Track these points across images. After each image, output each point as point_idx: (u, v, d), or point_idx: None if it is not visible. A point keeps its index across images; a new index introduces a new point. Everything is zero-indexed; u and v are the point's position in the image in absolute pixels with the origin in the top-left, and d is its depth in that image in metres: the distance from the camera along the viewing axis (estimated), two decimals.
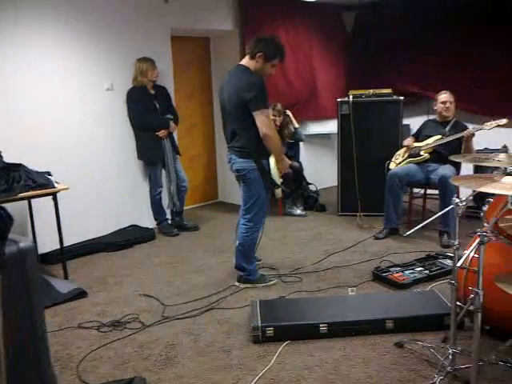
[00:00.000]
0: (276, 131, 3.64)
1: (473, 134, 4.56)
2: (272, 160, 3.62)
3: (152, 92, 5.06)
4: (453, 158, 2.78)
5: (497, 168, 2.43)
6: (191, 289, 3.90)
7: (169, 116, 5.14)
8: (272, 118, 5.70)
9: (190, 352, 3.00)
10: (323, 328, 3.06)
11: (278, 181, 3.71)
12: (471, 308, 2.25)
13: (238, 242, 3.85)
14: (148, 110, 5.02)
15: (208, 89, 6.38)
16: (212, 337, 3.17)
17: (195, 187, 6.31)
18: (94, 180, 4.98)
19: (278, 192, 3.82)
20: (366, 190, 5.53)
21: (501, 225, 2.28)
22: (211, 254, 4.67)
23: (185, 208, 5.51)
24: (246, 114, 3.45)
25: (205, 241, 5.09)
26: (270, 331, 3.03)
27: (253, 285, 3.87)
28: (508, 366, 2.57)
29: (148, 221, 5.37)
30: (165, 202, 5.32)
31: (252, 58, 3.52)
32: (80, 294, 3.81)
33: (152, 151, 5.10)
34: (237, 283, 3.91)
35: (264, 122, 3.43)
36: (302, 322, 3.09)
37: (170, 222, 5.42)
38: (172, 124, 5.14)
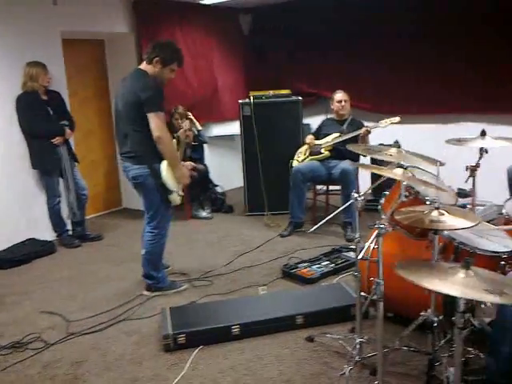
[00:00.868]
0: (169, 135, 3.51)
1: (369, 132, 4.78)
2: (164, 164, 3.48)
3: (44, 97, 4.78)
4: (349, 147, 2.89)
5: (390, 163, 2.54)
6: (97, 302, 3.73)
7: (64, 122, 4.89)
8: (174, 121, 5.65)
9: (98, 368, 2.88)
10: (235, 330, 3.05)
11: (173, 186, 3.53)
12: (374, 297, 2.34)
13: (144, 251, 3.75)
14: (40, 117, 4.74)
15: (105, 93, 6.16)
16: (121, 350, 3.06)
17: (96, 195, 6.06)
18: None
19: (173, 198, 3.58)
20: (271, 189, 5.60)
21: (396, 217, 2.39)
22: (117, 264, 4.50)
23: (86, 217, 5.29)
24: (139, 116, 3.37)
25: (109, 250, 4.90)
26: (181, 338, 2.98)
27: (162, 292, 3.78)
28: (411, 350, 2.71)
29: (47, 233, 5.06)
30: (64, 212, 5.05)
31: (149, 63, 3.48)
32: None
33: (47, 160, 4.83)
34: (145, 292, 3.80)
35: (157, 124, 3.35)
36: (214, 326, 3.07)
37: (70, 232, 5.15)
38: (68, 130, 4.90)
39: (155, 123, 3.34)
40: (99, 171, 6.24)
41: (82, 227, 5.17)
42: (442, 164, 2.52)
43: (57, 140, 4.79)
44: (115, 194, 6.47)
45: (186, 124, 5.55)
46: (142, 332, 3.25)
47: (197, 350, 2.97)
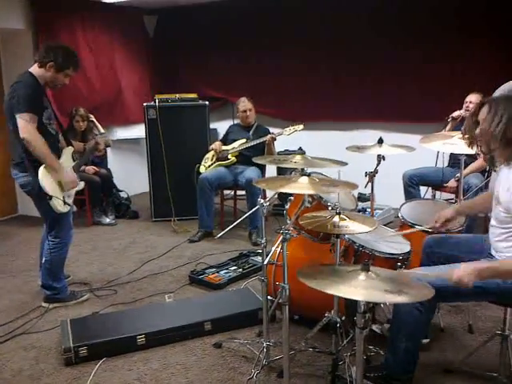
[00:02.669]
0: (39, 137, 3.20)
1: (274, 138, 4.89)
2: (42, 168, 3.25)
3: None
4: (256, 160, 2.92)
5: (295, 169, 2.60)
6: None
7: None
8: (75, 123, 5.42)
9: None
10: (140, 340, 2.97)
11: (53, 192, 3.28)
12: (280, 301, 2.38)
13: (44, 260, 3.55)
14: None
15: None
16: (18, 365, 2.88)
17: None
18: None
19: (54, 205, 3.29)
20: (178, 194, 5.53)
21: (300, 222, 2.45)
22: (12, 275, 4.22)
23: None
24: (15, 120, 3.18)
25: (4, 260, 4.58)
26: (83, 351, 2.85)
27: (62, 303, 3.60)
28: (316, 351, 2.79)
29: None
30: None
31: (41, 66, 3.28)
32: None
33: None
34: (44, 304, 3.59)
35: (22, 125, 3.14)
36: (118, 337, 2.96)
37: None
38: None
39: (20, 125, 3.14)
40: None
41: None
42: (345, 164, 2.63)
43: None
44: (10, 200, 6.08)
45: (82, 125, 5.43)
46: (41, 346, 3.08)
47: (100, 363, 2.86)
